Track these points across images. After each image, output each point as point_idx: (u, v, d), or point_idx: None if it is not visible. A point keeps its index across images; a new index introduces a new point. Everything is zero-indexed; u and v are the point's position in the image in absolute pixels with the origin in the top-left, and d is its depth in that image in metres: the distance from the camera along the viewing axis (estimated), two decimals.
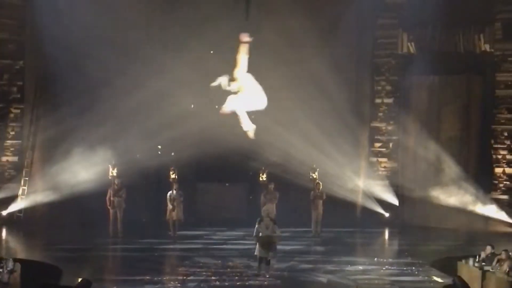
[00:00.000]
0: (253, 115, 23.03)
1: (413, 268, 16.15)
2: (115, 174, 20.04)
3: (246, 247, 18.10)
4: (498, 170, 22.58)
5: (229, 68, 22.67)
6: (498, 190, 22.57)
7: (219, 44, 22.18)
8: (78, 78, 21.37)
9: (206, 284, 14.38)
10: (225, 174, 23.77)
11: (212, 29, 21.75)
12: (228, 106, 22.91)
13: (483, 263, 14.51)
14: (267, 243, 14.79)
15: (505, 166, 22.50)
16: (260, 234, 14.82)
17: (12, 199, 21.73)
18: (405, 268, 16.16)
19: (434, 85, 23.51)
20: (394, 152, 23.62)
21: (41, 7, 21.34)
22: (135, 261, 16.84)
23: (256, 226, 14.94)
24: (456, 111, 23.40)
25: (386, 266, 16.53)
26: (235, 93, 22.97)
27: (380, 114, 23.67)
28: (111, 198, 19.90)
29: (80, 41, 21.09)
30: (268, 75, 22.77)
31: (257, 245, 14.92)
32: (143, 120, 21.93)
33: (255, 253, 15.00)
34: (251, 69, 22.80)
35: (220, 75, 22.58)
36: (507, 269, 13.61)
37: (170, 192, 20.17)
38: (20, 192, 21.71)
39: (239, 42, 22.62)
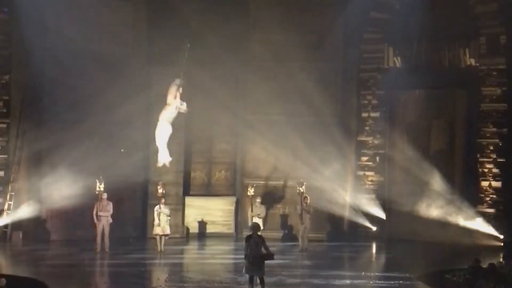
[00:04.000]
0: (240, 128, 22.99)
1: (400, 281, 16.12)
2: (101, 188, 19.90)
3: (234, 261, 18.04)
4: (484, 184, 22.68)
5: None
6: (485, 204, 22.64)
7: (205, 59, 22.17)
8: (65, 93, 21.33)
9: None
10: (212, 188, 23.77)
11: (198, 44, 21.78)
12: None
13: (470, 277, 14.53)
14: (257, 261, 14.30)
15: (491, 179, 22.60)
16: (249, 252, 14.29)
17: None
18: (392, 282, 16.13)
19: (420, 99, 23.62)
20: (380, 166, 23.65)
21: (27, 21, 21.26)
22: (121, 276, 16.73)
23: (245, 244, 14.37)
24: (442, 125, 23.50)
25: (373, 280, 16.52)
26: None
27: (367, 128, 23.74)
28: (98, 213, 19.80)
29: (66, 55, 21.04)
30: (255, 89, 22.86)
31: (246, 264, 14.32)
32: (130, 134, 21.88)
33: (243, 272, 14.48)
34: (239, 83, 22.78)
35: (206, 91, 22.52)
36: (493, 283, 13.65)
37: (157, 206, 20.10)
38: (6, 207, 21.52)
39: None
